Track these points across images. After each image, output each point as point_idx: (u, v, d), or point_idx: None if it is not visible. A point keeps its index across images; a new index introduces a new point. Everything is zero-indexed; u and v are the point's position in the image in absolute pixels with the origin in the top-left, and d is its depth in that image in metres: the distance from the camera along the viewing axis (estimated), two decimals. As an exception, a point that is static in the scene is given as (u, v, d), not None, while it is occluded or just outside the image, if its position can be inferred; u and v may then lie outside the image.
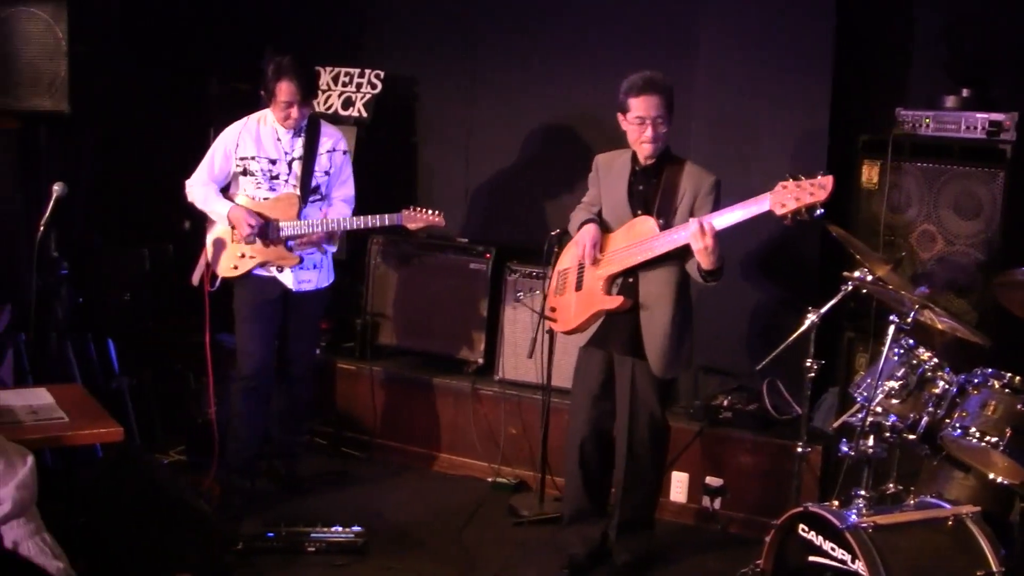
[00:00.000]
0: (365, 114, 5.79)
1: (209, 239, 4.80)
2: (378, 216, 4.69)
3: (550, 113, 5.75)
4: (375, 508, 4.86)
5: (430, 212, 4.68)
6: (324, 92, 5.87)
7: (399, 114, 6.10)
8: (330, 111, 5.82)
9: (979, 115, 4.36)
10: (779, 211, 3.62)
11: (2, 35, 4.85)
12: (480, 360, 5.46)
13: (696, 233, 3.74)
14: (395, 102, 6.01)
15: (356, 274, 5.77)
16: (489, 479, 5.28)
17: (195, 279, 4.83)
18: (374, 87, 5.81)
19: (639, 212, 4.07)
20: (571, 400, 4.41)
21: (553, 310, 4.34)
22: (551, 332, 4.74)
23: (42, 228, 4.51)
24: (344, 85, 5.85)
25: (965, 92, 4.47)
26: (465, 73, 5.96)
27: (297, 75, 4.56)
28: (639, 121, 4.00)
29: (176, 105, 5.93)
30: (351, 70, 5.88)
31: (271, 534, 4.31)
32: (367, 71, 5.85)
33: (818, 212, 3.59)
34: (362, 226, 4.72)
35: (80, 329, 5.15)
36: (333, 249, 4.81)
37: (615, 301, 4.06)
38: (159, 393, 5.54)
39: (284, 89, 4.56)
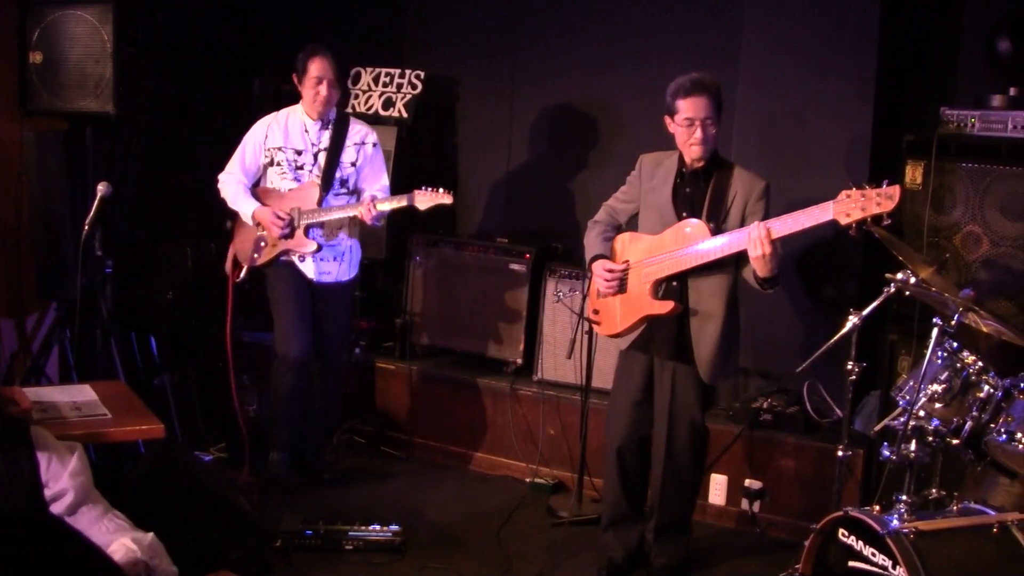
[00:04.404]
0: (405, 114, 5.81)
1: (235, 230, 4.94)
2: (390, 197, 4.77)
3: (591, 114, 5.74)
4: (413, 507, 4.87)
5: (440, 191, 4.70)
6: (365, 92, 5.90)
7: (440, 114, 6.12)
8: (371, 111, 5.84)
9: (1027, 114, 4.29)
10: (843, 221, 3.53)
11: (49, 37, 4.94)
12: (519, 360, 5.46)
13: (756, 240, 3.67)
14: (436, 102, 6.04)
15: (396, 274, 5.79)
16: (527, 479, 5.28)
17: (228, 267, 4.95)
18: (414, 87, 5.83)
19: (685, 215, 4.00)
20: (610, 405, 4.36)
21: (596, 312, 4.29)
22: (591, 333, 4.72)
23: (87, 227, 4.58)
24: (385, 86, 5.88)
25: (1012, 91, 4.39)
26: (506, 74, 5.96)
27: (330, 54, 4.72)
28: (688, 123, 3.94)
29: (220, 106, 5.99)
30: (392, 71, 5.90)
31: (309, 532, 4.33)
32: (408, 72, 5.87)
33: (885, 222, 3.51)
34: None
35: (124, 327, 5.22)
36: (378, 225, 4.83)
37: (666, 306, 3.99)
38: (201, 390, 5.59)
39: (316, 65, 4.70)
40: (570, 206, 5.76)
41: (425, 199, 4.69)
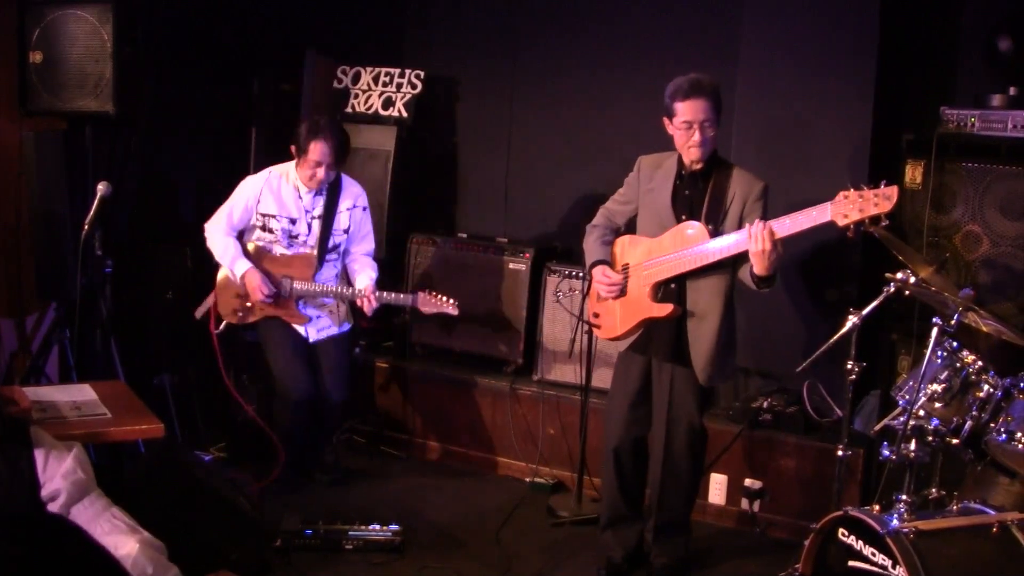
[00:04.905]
0: (405, 114, 5.81)
1: (219, 279, 4.91)
2: (393, 294, 4.82)
3: (590, 114, 5.74)
4: (413, 507, 4.87)
5: (445, 299, 4.76)
6: (365, 92, 5.90)
7: (439, 114, 6.12)
8: (370, 111, 5.84)
9: (1026, 114, 4.29)
10: (841, 222, 3.51)
11: (49, 37, 4.92)
12: (519, 360, 5.46)
13: (757, 235, 3.66)
14: (435, 102, 6.04)
15: (396, 274, 5.79)
16: (527, 479, 5.28)
17: (198, 313, 4.95)
18: (414, 87, 5.83)
19: (684, 217, 3.99)
20: (608, 405, 4.36)
21: (596, 316, 4.28)
22: (590, 332, 4.72)
23: (87, 227, 4.58)
24: (384, 85, 5.88)
25: (1012, 90, 4.39)
26: (505, 74, 5.96)
27: (333, 137, 4.64)
28: (686, 126, 3.91)
29: (219, 105, 5.99)
30: (391, 70, 5.90)
31: (309, 532, 4.33)
32: (407, 71, 5.86)
33: (883, 223, 3.49)
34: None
35: (124, 327, 5.21)
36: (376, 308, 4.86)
37: (665, 309, 3.98)
38: (201, 390, 5.59)
39: (317, 149, 4.62)
40: (570, 206, 5.76)
41: (429, 305, 4.78)
